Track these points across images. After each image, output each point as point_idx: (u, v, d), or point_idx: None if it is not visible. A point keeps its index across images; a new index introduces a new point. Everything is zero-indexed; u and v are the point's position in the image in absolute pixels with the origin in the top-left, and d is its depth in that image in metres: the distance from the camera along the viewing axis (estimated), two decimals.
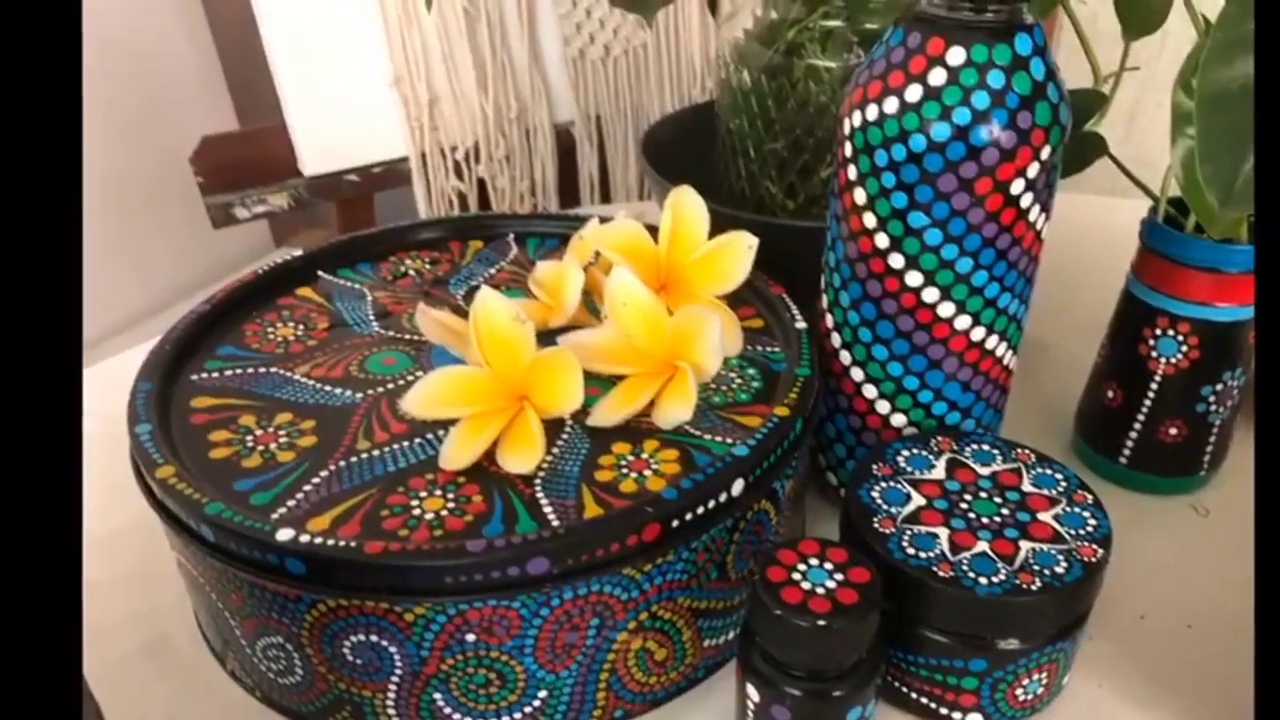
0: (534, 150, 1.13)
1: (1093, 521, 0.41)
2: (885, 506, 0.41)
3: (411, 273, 0.57)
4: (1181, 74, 0.45)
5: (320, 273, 0.57)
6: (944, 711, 0.41)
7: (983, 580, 0.38)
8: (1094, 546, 0.39)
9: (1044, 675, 0.40)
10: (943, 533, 0.40)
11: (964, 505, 0.41)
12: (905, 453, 0.44)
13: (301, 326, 0.52)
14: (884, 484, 0.43)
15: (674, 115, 0.75)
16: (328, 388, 0.47)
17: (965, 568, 0.38)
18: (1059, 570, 0.38)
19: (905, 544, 0.39)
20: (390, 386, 0.47)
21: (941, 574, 0.38)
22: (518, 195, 1.14)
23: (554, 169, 1.14)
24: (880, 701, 0.42)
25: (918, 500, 0.42)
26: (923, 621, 0.39)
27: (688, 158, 0.70)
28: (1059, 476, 0.43)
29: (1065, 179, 0.47)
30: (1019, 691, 0.40)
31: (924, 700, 0.41)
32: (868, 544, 0.40)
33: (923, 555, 0.39)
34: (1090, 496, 0.42)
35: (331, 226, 1.21)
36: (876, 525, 0.40)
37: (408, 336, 0.51)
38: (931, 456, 0.44)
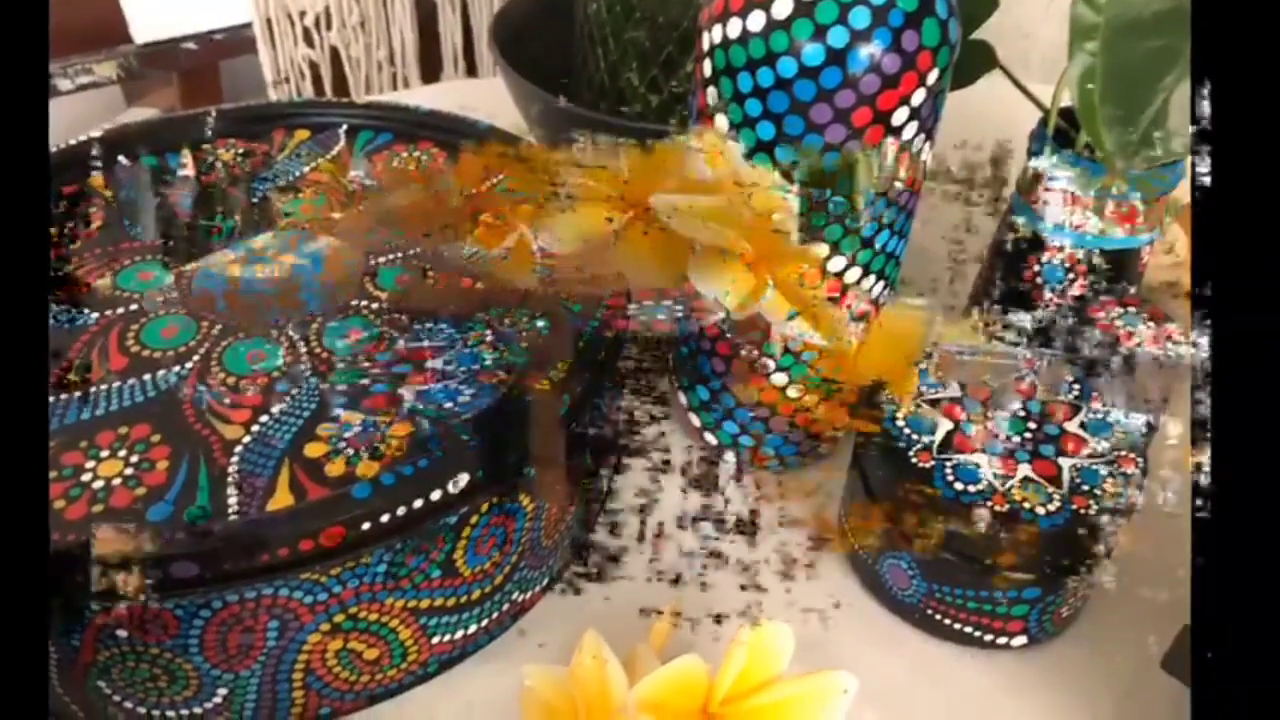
0: (391, 16, 1.00)
1: (1119, 427, 0.38)
2: (916, 437, 0.37)
3: (219, 165, 0.47)
4: None
5: (121, 158, 0.47)
6: (989, 638, 0.38)
7: (1040, 510, 0.35)
8: (1131, 455, 0.37)
9: (1088, 588, 0.39)
10: (982, 459, 0.36)
11: (990, 425, 0.38)
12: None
13: (73, 223, 0.43)
14: (904, 410, 0.39)
15: None
16: (64, 304, 0.39)
17: (1017, 498, 0.35)
18: (1109, 489, 0.35)
19: (950, 477, 0.36)
20: (134, 308, 0.38)
21: (997, 508, 0.35)
22: (374, 65, 1.02)
23: (414, 37, 1.02)
24: (923, 634, 0.40)
25: (945, 425, 0.38)
26: (979, 557, 0.36)
27: (546, 42, 0.61)
28: (1068, 378, 0.40)
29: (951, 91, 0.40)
30: (1064, 610, 0.38)
31: (969, 630, 0.38)
32: (912, 484, 0.36)
33: (972, 489, 0.35)
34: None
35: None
36: (916, 460, 0.36)
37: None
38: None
